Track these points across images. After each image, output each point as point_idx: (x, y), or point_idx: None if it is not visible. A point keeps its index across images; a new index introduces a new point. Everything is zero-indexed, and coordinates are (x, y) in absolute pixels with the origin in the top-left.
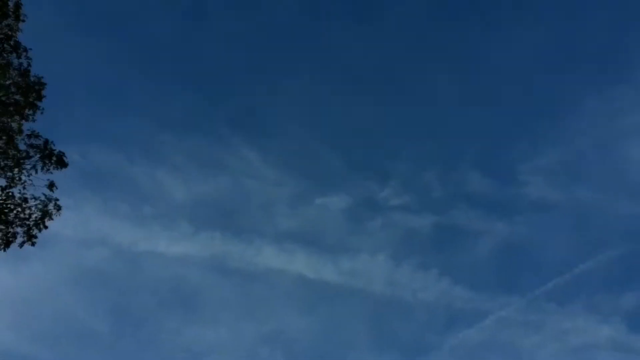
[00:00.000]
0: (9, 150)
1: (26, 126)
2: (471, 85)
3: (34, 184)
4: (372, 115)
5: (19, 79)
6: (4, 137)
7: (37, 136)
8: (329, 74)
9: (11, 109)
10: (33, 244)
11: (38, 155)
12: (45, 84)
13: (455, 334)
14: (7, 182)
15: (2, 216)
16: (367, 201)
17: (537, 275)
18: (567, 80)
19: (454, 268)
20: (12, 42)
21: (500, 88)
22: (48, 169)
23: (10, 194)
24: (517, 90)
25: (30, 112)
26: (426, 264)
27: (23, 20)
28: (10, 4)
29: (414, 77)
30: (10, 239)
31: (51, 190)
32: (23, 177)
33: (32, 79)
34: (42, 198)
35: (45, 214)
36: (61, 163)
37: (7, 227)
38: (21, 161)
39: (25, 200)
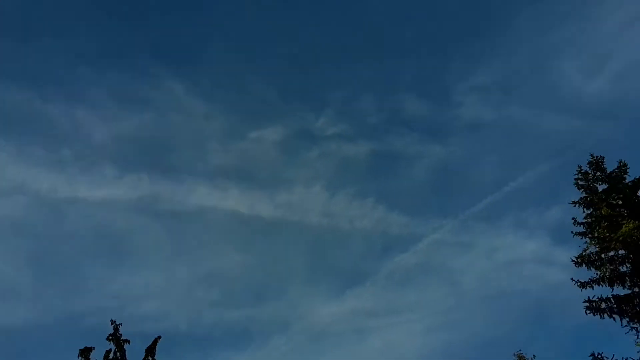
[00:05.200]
0: None
1: None
2: (403, 4)
3: None
4: (305, 40)
5: None
6: None
7: None
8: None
9: None
10: None
11: None
12: None
13: (391, 258)
14: None
15: None
16: (302, 132)
17: (469, 196)
18: None
19: (390, 194)
20: None
21: (433, 5)
22: None
23: None
24: (449, 9)
25: None
26: (362, 192)
27: None
28: None
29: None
30: None
31: None
32: None
33: None
34: None
35: None
36: None
37: None
38: None
39: None
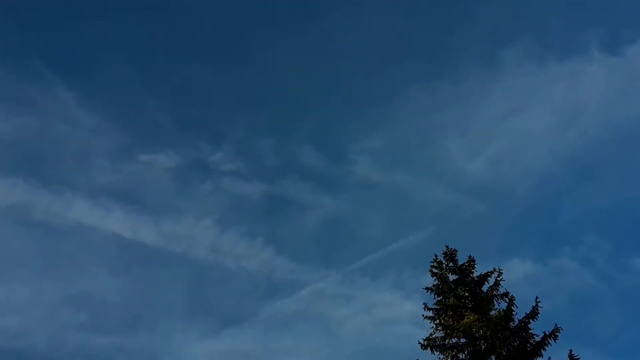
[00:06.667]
0: None
1: None
2: (310, 62)
3: None
4: (209, 77)
5: None
6: None
7: None
8: (166, 30)
9: None
10: None
11: None
12: None
13: (272, 303)
14: None
15: None
16: (197, 163)
17: (354, 251)
18: (396, 71)
19: (279, 238)
20: None
21: (338, 69)
22: None
23: None
24: (352, 74)
25: None
26: (252, 232)
27: None
28: None
29: (254, 47)
30: None
31: None
32: None
33: None
34: None
35: None
36: None
37: None
38: None
39: None
